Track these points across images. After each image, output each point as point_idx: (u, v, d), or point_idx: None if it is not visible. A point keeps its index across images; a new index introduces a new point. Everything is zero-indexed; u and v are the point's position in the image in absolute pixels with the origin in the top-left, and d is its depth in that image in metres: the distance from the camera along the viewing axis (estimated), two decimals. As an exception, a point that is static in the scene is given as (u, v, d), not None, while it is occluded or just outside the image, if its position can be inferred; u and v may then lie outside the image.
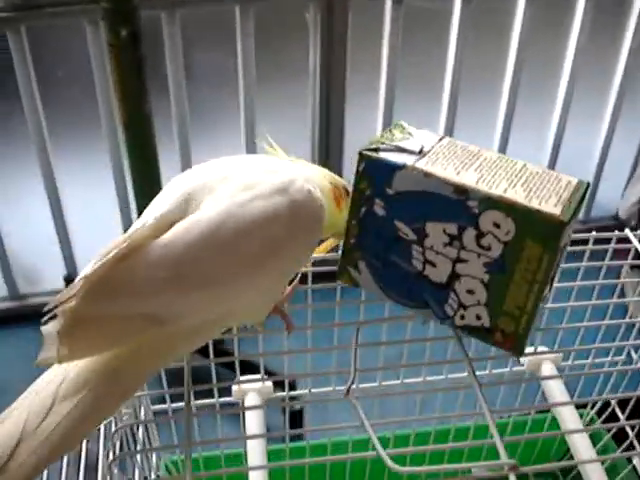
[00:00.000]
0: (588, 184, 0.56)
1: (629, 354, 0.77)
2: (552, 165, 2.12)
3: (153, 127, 1.55)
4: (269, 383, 0.73)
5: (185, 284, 0.50)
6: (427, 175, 0.52)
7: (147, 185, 1.55)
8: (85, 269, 0.49)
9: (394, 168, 0.53)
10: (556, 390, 0.74)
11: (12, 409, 0.48)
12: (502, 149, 2.06)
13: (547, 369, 0.76)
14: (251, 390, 0.73)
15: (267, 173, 0.56)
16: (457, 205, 0.52)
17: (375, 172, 0.54)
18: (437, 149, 0.55)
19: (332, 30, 1.80)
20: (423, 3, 1.85)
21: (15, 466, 0.45)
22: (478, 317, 0.55)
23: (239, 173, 0.55)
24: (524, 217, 0.51)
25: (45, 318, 0.47)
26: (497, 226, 0.52)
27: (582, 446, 0.69)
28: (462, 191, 0.51)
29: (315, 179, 0.59)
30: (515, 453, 0.83)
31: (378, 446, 0.49)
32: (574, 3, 1.91)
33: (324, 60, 1.84)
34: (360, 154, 0.54)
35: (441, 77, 1.93)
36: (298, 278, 0.65)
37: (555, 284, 0.66)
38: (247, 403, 0.72)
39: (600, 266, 0.71)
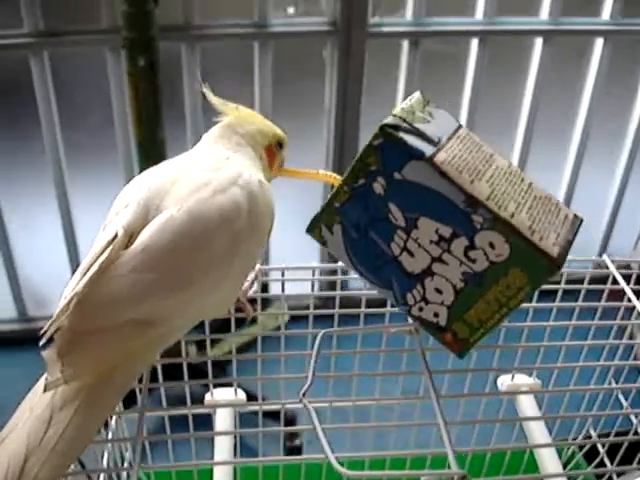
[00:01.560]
0: (581, 220, 0.55)
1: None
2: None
3: (166, 153, 1.58)
4: (242, 395, 0.73)
5: (168, 285, 0.51)
6: (443, 175, 0.50)
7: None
8: (69, 285, 0.50)
9: (411, 156, 0.50)
10: (532, 414, 0.73)
11: (10, 427, 0.48)
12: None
13: (525, 397, 0.75)
14: (222, 401, 0.72)
15: (213, 171, 0.57)
16: (461, 214, 0.50)
17: (390, 152, 0.50)
18: (455, 143, 0.53)
19: (348, 69, 1.83)
20: (439, 46, 1.88)
21: None
22: (436, 314, 0.55)
23: (186, 174, 0.57)
24: (522, 248, 0.50)
25: (43, 341, 0.47)
26: (492, 246, 0.51)
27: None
28: (472, 203, 0.50)
29: (251, 160, 0.63)
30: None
31: (327, 448, 0.49)
32: (591, 48, 1.93)
33: (339, 98, 1.87)
34: (381, 129, 0.50)
35: (455, 117, 1.95)
36: (257, 270, 0.67)
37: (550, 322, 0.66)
38: (218, 415, 0.72)
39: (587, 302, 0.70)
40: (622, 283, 0.67)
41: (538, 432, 0.74)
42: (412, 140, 0.50)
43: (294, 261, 0.69)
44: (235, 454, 0.76)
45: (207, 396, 0.73)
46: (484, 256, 0.51)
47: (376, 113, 1.89)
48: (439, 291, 0.54)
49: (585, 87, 1.97)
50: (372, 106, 1.89)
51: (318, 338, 0.58)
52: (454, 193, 0.50)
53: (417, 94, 0.56)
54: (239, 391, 0.75)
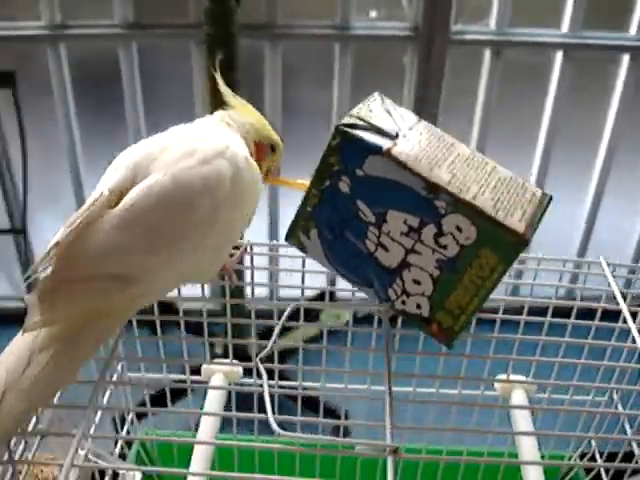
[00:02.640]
0: (551, 197, 0.55)
1: (611, 396, 0.74)
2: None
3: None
4: (237, 367, 0.75)
5: (148, 244, 0.54)
6: (401, 166, 0.51)
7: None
8: (54, 237, 0.53)
9: (369, 151, 0.51)
10: (521, 420, 0.71)
11: None
12: (593, 212, 2.02)
13: (518, 397, 0.74)
14: (218, 371, 0.75)
15: (200, 140, 0.60)
16: (424, 202, 0.51)
17: (348, 150, 0.52)
18: (413, 135, 0.54)
19: (428, 75, 1.82)
20: (522, 56, 1.85)
21: (3, 414, 0.48)
22: (418, 306, 0.55)
23: (175, 142, 0.59)
24: (488, 228, 0.51)
25: (25, 284, 0.52)
26: (459, 230, 0.51)
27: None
28: (433, 189, 0.51)
29: (240, 141, 0.64)
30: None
31: (269, 409, 0.51)
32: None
33: (417, 104, 1.87)
34: (336, 129, 0.52)
35: (536, 131, 1.91)
36: (246, 244, 0.69)
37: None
38: (212, 384, 0.74)
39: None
40: (613, 286, 0.65)
41: (524, 423, 0.72)
42: (369, 136, 0.52)
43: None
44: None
45: (204, 365, 0.76)
46: (454, 241, 0.52)
47: (453, 123, 1.89)
48: (417, 282, 0.54)
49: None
50: (449, 115, 1.88)
51: (287, 311, 0.59)
52: (414, 181, 0.51)
53: (376, 95, 0.57)
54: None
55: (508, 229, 0.50)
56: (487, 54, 1.83)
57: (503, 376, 0.75)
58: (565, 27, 1.80)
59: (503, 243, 0.51)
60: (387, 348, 0.57)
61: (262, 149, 0.68)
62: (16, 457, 0.55)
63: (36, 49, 1.76)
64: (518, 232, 0.50)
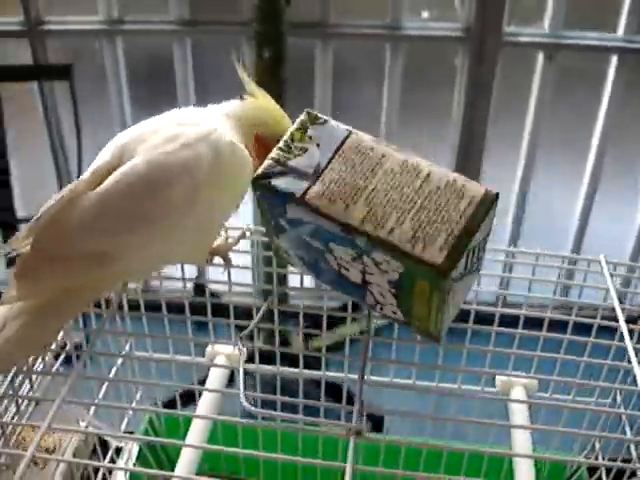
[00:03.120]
0: (496, 195, 0.51)
1: (615, 398, 0.73)
2: None
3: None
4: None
5: (121, 225, 0.56)
6: (314, 211, 0.51)
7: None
8: (34, 218, 0.56)
9: (285, 201, 0.52)
10: (518, 415, 0.70)
11: None
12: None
13: (517, 394, 0.73)
14: (221, 353, 0.76)
15: (191, 125, 0.60)
16: (348, 240, 0.51)
17: (270, 200, 0.53)
18: (335, 164, 0.52)
19: (479, 77, 1.81)
20: (576, 60, 1.82)
21: None
22: (394, 312, 0.55)
23: (167, 126, 0.60)
24: (407, 262, 0.49)
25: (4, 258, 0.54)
26: (388, 262, 0.50)
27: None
28: (349, 231, 0.50)
29: (235, 132, 0.63)
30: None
31: (241, 387, 0.52)
32: None
33: (467, 107, 1.86)
34: (253, 182, 0.53)
35: (588, 137, 1.88)
36: (245, 228, 0.70)
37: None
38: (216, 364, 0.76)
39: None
40: (609, 283, 0.64)
41: (521, 420, 0.72)
42: (285, 183, 0.52)
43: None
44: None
45: (208, 348, 0.78)
46: (390, 267, 0.51)
47: (504, 126, 1.87)
48: (383, 295, 0.54)
49: None
50: (500, 118, 1.87)
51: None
52: (329, 225, 0.51)
53: (303, 115, 0.55)
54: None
55: (425, 263, 0.48)
56: (540, 57, 1.80)
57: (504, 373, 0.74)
58: (621, 31, 1.76)
59: (426, 274, 0.49)
60: (369, 332, 0.58)
61: (262, 142, 0.65)
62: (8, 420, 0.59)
63: (93, 43, 1.82)
64: (436, 264, 0.48)
